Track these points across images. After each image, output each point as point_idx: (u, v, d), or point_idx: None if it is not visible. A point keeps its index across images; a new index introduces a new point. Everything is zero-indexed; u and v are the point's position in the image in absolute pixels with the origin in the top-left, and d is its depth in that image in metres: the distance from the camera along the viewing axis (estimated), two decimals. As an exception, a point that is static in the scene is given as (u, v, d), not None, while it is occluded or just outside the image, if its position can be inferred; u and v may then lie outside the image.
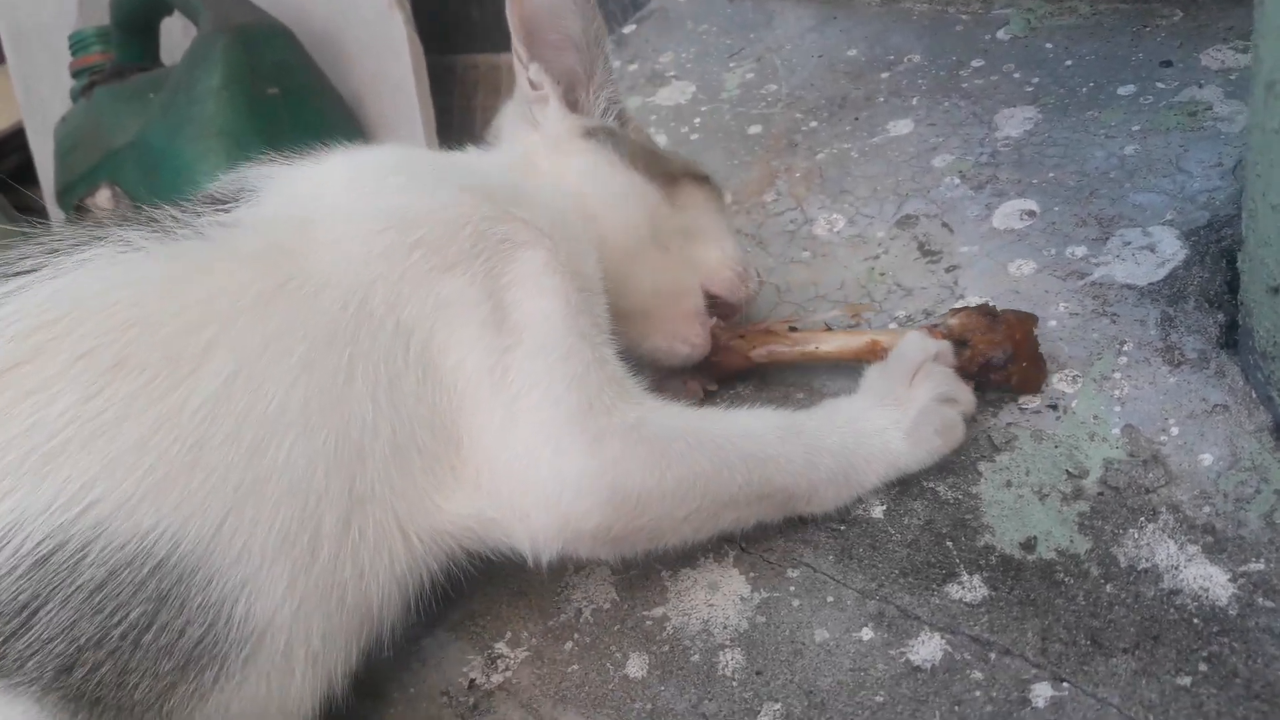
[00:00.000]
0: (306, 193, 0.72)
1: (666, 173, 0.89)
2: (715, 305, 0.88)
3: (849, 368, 0.83)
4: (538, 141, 0.86)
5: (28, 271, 0.61)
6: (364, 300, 0.66)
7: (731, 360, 0.88)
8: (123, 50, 1.81)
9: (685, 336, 0.86)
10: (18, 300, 0.59)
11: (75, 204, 1.77)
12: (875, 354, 0.81)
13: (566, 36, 0.85)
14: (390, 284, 0.67)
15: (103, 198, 1.71)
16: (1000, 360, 0.79)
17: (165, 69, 1.78)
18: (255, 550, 0.58)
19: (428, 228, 0.69)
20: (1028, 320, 0.80)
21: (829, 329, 0.85)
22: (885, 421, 0.76)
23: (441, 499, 0.66)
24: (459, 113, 2.07)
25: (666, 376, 0.87)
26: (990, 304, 0.82)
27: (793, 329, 0.86)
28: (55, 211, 1.82)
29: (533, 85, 0.87)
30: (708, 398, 0.90)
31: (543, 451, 0.66)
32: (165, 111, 1.65)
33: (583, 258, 0.74)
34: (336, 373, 0.63)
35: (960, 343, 0.79)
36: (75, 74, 1.84)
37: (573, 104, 0.88)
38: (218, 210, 0.69)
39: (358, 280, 0.66)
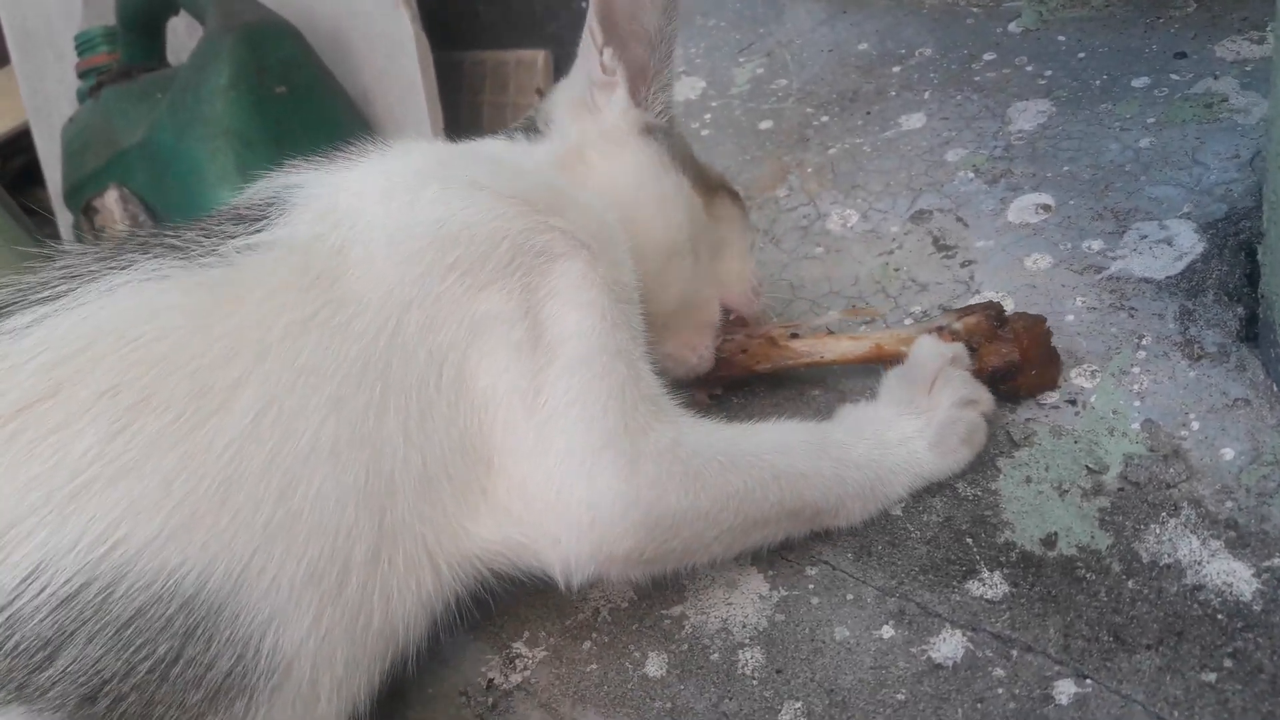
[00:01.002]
0: (340, 207, 0.70)
1: (707, 182, 0.89)
2: (727, 317, 0.88)
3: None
4: (592, 131, 0.83)
5: (49, 299, 0.60)
6: (398, 327, 0.64)
7: (735, 371, 0.88)
8: (129, 50, 1.81)
9: (695, 347, 0.85)
10: (39, 332, 0.58)
11: (83, 205, 1.77)
12: (881, 358, 0.81)
13: (643, 27, 0.83)
14: (425, 308, 0.65)
15: (111, 199, 1.71)
16: (1006, 370, 0.79)
17: (172, 69, 1.78)
18: (284, 585, 0.57)
19: (465, 246, 0.67)
20: (1036, 326, 0.79)
21: (831, 333, 0.84)
22: (910, 430, 0.75)
23: (472, 524, 0.65)
24: (467, 109, 2.07)
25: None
26: (996, 302, 0.81)
27: (794, 335, 0.86)
28: (63, 213, 1.82)
29: (604, 69, 0.83)
30: (713, 402, 0.90)
31: (576, 475, 0.64)
32: (173, 111, 1.65)
33: (621, 266, 0.72)
34: (369, 408, 0.62)
35: (968, 347, 0.78)
36: (82, 75, 1.84)
37: (634, 98, 0.85)
38: (246, 230, 0.67)
39: (392, 306, 0.65)
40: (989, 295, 0.90)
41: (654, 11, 0.82)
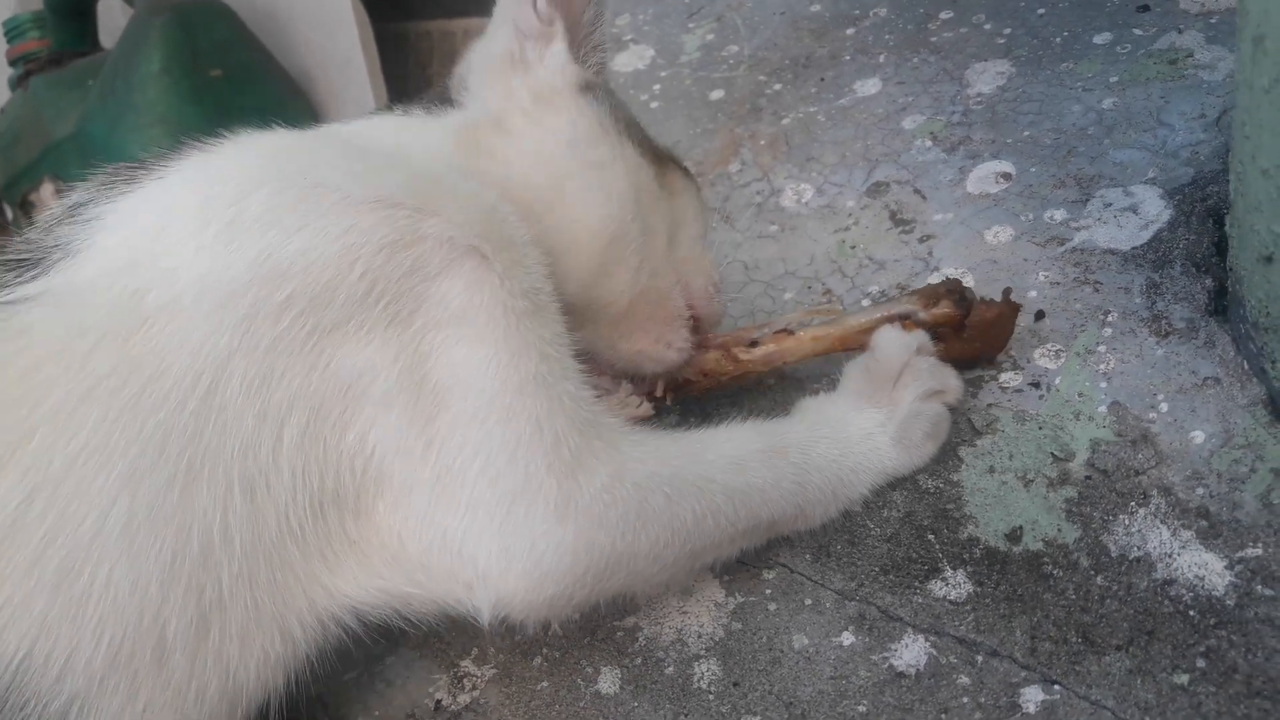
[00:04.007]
0: (142, 234, 0.57)
1: (655, 152, 0.78)
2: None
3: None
4: (522, 92, 0.71)
5: None
6: (212, 389, 0.54)
7: (697, 391, 0.80)
8: (59, 35, 1.73)
9: (670, 341, 0.74)
10: None
11: (19, 199, 1.71)
12: (845, 348, 0.76)
13: None
14: (253, 361, 0.54)
15: (47, 192, 1.65)
16: (974, 359, 0.76)
17: (104, 54, 1.71)
18: (80, 669, 0.51)
19: (302, 277, 0.55)
20: (1007, 317, 0.75)
21: (790, 333, 0.78)
22: (871, 425, 0.71)
23: (334, 579, 0.58)
24: (414, 82, 1.99)
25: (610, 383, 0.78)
26: (957, 281, 0.76)
27: (753, 344, 0.78)
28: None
29: (540, 18, 0.71)
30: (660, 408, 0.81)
31: (483, 532, 0.57)
32: (104, 100, 1.58)
33: (523, 266, 0.62)
34: (171, 484, 0.52)
35: (933, 335, 0.74)
36: (12, 62, 1.76)
37: (572, 53, 0.74)
38: (17, 279, 0.56)
39: (204, 364, 0.54)
40: (949, 272, 0.86)
41: None
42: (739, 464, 0.65)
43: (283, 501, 0.55)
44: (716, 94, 1.21)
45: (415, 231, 0.57)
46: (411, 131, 0.71)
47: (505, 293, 0.59)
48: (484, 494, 0.57)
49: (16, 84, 1.75)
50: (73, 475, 0.51)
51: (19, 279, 0.57)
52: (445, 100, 0.74)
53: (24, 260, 0.58)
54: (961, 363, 0.76)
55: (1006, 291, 0.75)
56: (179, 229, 0.57)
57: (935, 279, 0.86)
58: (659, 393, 0.77)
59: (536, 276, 0.62)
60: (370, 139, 0.70)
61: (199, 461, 0.53)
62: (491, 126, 0.71)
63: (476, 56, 0.75)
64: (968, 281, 0.84)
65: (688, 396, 0.80)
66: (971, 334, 0.74)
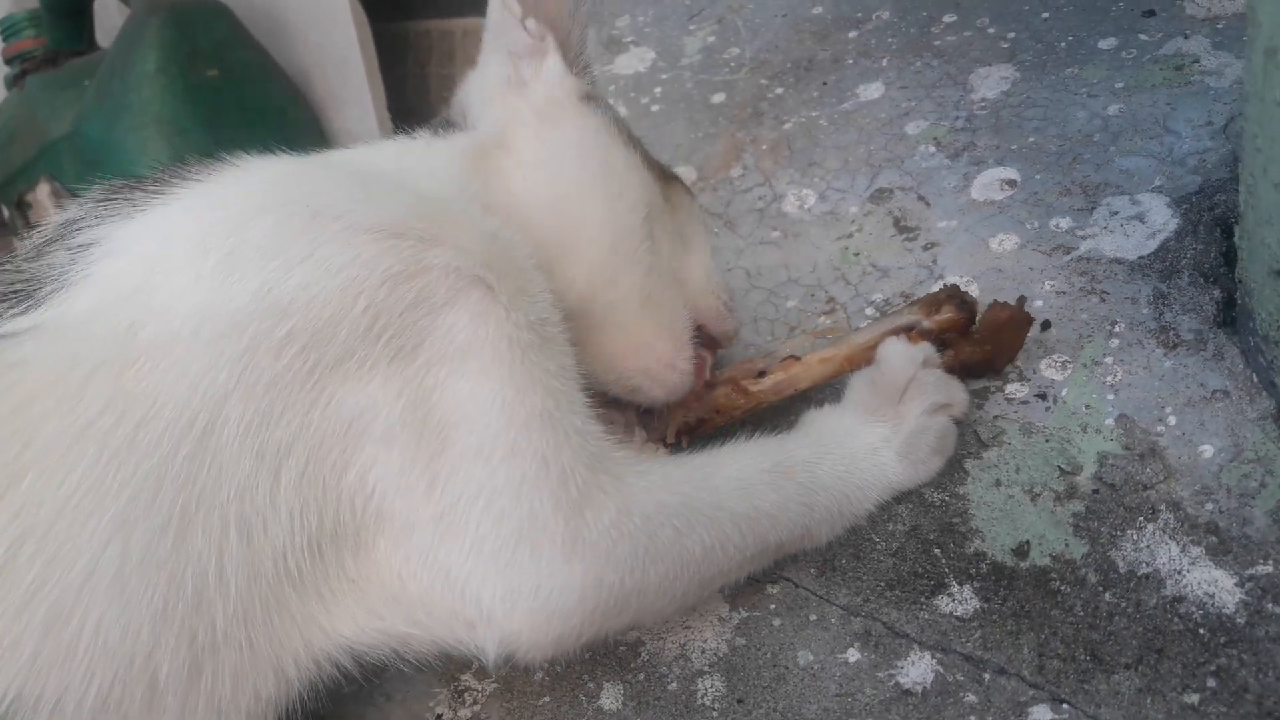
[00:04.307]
0: (139, 264, 0.55)
1: (658, 167, 0.78)
2: (697, 337, 0.75)
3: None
4: (523, 108, 0.71)
5: None
6: (209, 429, 0.52)
7: (709, 430, 0.77)
8: (55, 34, 1.72)
9: (674, 363, 0.72)
10: None
11: (15, 200, 1.70)
12: (854, 367, 0.75)
13: None
14: (252, 399, 0.52)
15: (43, 193, 1.64)
16: (981, 365, 0.75)
17: (100, 53, 1.69)
18: (69, 713, 0.49)
19: (304, 312, 0.53)
20: (1021, 321, 0.74)
21: (797, 359, 0.76)
22: (876, 440, 0.70)
23: (335, 621, 0.57)
24: (413, 82, 1.99)
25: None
26: (958, 288, 0.75)
27: (761, 374, 0.77)
28: None
29: (532, 34, 0.71)
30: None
31: (488, 569, 0.56)
32: (100, 99, 1.56)
33: (530, 295, 0.60)
34: (165, 529, 0.51)
35: (940, 343, 0.73)
36: (7, 61, 1.75)
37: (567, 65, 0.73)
38: (8, 311, 0.55)
39: (200, 402, 0.52)
40: (953, 280, 0.85)
41: None
42: (746, 488, 0.64)
43: (280, 543, 0.53)
44: (718, 97, 1.20)
45: (420, 262, 0.56)
46: (416, 155, 0.70)
47: (511, 325, 0.57)
48: (488, 533, 0.55)
49: (12, 83, 1.74)
50: (64, 519, 0.49)
51: (13, 311, 0.55)
52: (444, 124, 0.73)
53: (17, 291, 0.56)
54: (972, 370, 0.75)
55: (1021, 300, 0.74)
56: (177, 259, 0.55)
57: (939, 288, 0.85)
58: (670, 438, 0.76)
59: (543, 305, 0.61)
60: (374, 164, 0.69)
61: (194, 506, 0.51)
62: (496, 145, 0.70)
63: (474, 86, 0.75)
64: (973, 290, 0.83)
65: (702, 436, 0.77)
66: (984, 335, 0.73)
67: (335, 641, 0.57)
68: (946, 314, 0.73)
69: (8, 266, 0.58)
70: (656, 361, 0.72)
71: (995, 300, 0.75)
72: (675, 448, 0.76)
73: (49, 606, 0.49)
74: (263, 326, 0.53)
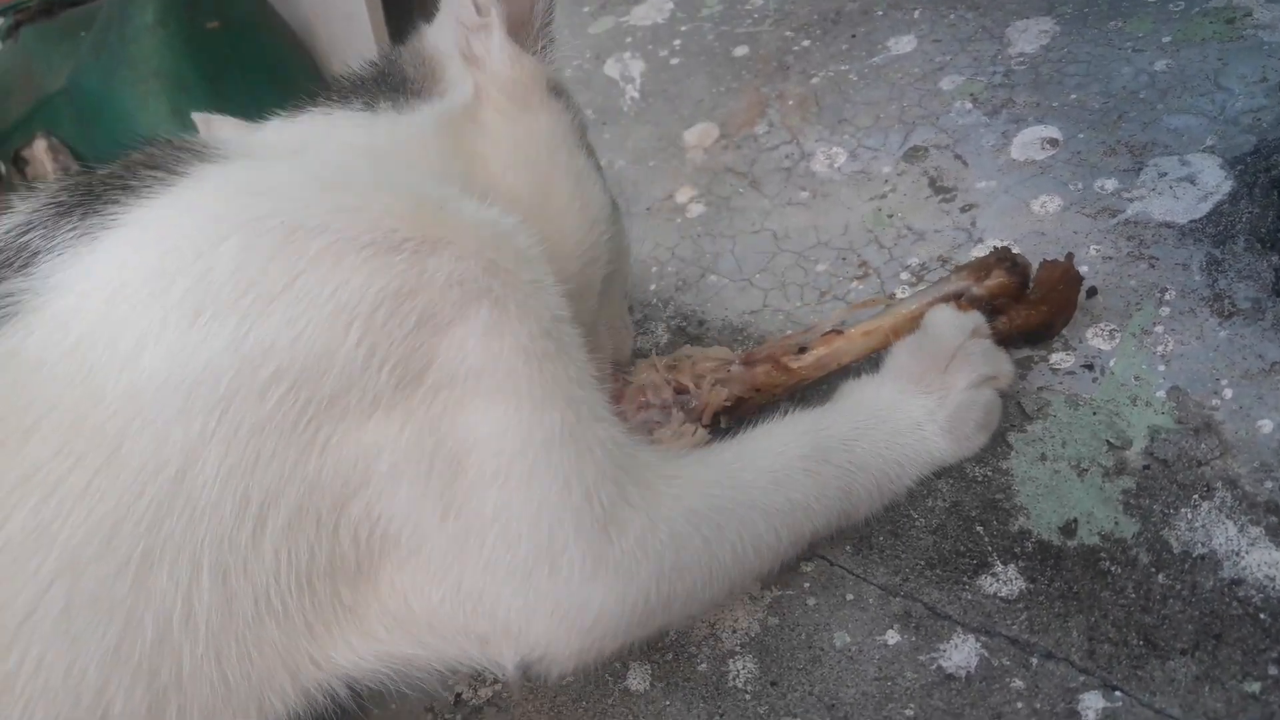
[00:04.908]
0: (97, 298, 0.49)
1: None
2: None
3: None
4: (489, 86, 0.65)
5: None
6: (180, 475, 0.47)
7: (750, 411, 0.74)
8: (49, -17, 1.66)
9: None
10: None
11: (12, 156, 1.65)
12: (899, 339, 0.71)
13: None
14: (233, 446, 0.47)
15: (39, 149, 1.60)
16: (1038, 330, 0.71)
17: (96, 3, 1.64)
18: None
19: (286, 352, 0.48)
20: (1074, 277, 0.70)
21: (839, 333, 0.73)
22: (920, 413, 0.67)
23: (327, 650, 0.52)
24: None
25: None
26: (1009, 249, 0.72)
27: (802, 350, 0.73)
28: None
29: (478, 8, 0.64)
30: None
31: (502, 588, 0.52)
32: (97, 52, 1.51)
33: (540, 289, 0.54)
34: (120, 572, 0.46)
35: (991, 309, 0.70)
36: (1, 12, 1.69)
37: (518, 40, 0.66)
38: None
39: (170, 451, 0.47)
40: (994, 243, 0.81)
41: None
42: (780, 480, 0.61)
43: (263, 582, 0.49)
44: (740, 50, 1.15)
45: (421, 275, 0.50)
46: (384, 132, 0.63)
47: (525, 336, 0.52)
48: (503, 555, 0.51)
49: (6, 35, 1.70)
50: (4, 557, 0.45)
51: None
52: (402, 85, 0.66)
53: None
54: (1031, 335, 0.72)
55: (1069, 257, 0.70)
56: (139, 294, 0.49)
57: (979, 251, 0.81)
58: (706, 419, 0.72)
59: (554, 299, 0.55)
60: (341, 147, 0.62)
61: (157, 550, 0.47)
62: (467, 119, 0.64)
63: (435, 42, 0.68)
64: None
65: (742, 415, 0.74)
66: (1039, 296, 0.70)
67: (328, 671, 0.52)
68: (997, 278, 0.69)
69: None
70: None
71: (1045, 259, 0.71)
72: (714, 427, 0.73)
73: None
74: (242, 371, 0.47)
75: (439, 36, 0.68)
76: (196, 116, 0.74)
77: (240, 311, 0.48)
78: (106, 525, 0.46)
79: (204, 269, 0.48)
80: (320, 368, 0.48)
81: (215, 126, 0.72)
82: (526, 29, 0.67)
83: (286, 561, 0.49)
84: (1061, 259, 0.71)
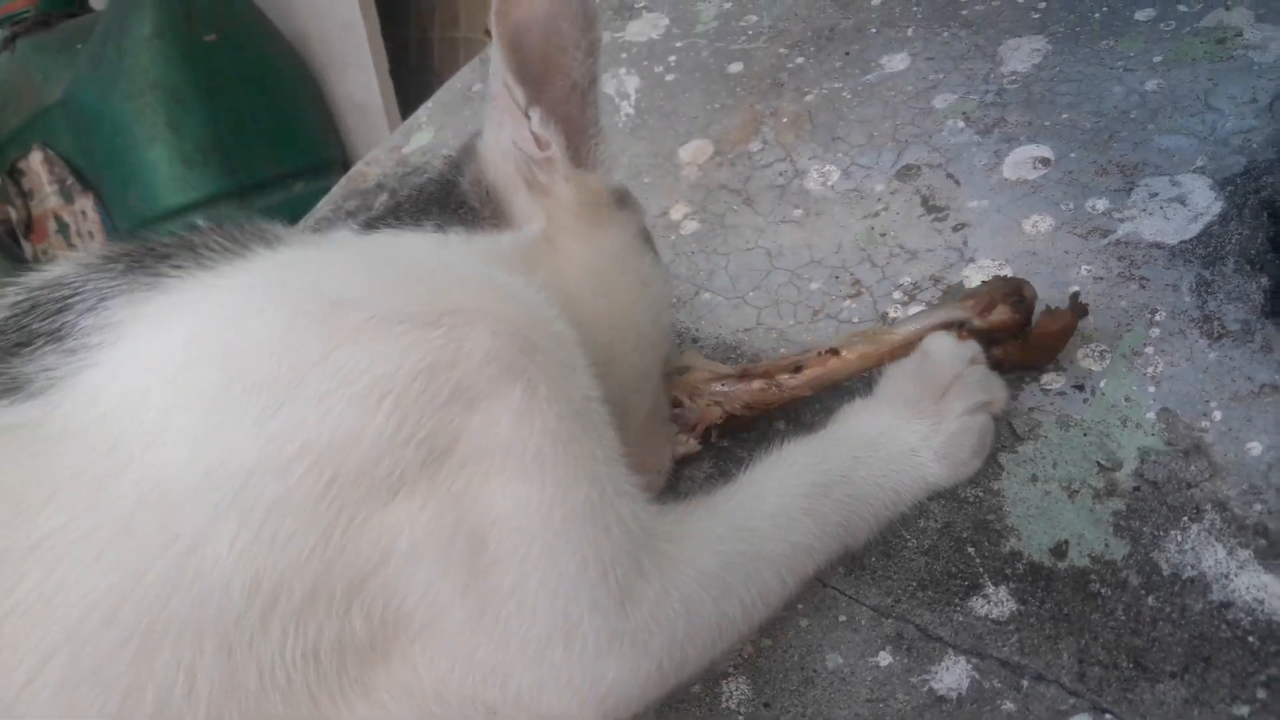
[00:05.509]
0: (128, 373, 0.49)
1: None
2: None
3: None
4: (559, 212, 0.66)
5: None
6: (190, 550, 0.46)
7: (744, 426, 0.76)
8: (47, -6, 1.66)
9: (663, 464, 0.73)
10: None
11: (8, 168, 1.65)
12: (893, 360, 0.72)
13: (564, 73, 0.63)
14: (248, 523, 0.47)
15: (36, 161, 1.60)
16: (1032, 367, 0.72)
17: (94, 15, 1.64)
18: None
19: (315, 427, 0.47)
20: (1072, 328, 0.71)
21: (835, 353, 0.73)
22: (914, 439, 0.67)
23: (331, 719, 0.51)
24: (416, 47, 1.93)
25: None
26: (1019, 281, 0.71)
27: (798, 369, 0.74)
28: None
29: (540, 143, 0.64)
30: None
31: (514, 662, 0.52)
32: (94, 64, 1.52)
33: (573, 373, 0.55)
34: (122, 646, 0.46)
35: (989, 340, 0.70)
36: (-1, 23, 1.70)
37: (576, 159, 0.66)
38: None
39: (182, 524, 0.46)
40: (985, 263, 0.82)
41: (576, 49, 0.62)
42: (782, 525, 0.62)
43: (269, 659, 0.48)
44: (735, 67, 1.16)
45: (458, 349, 0.50)
46: (457, 244, 0.64)
47: (555, 419, 0.52)
48: (516, 630, 0.51)
49: (3, 46, 1.70)
50: (7, 626, 0.45)
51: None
52: (473, 218, 0.66)
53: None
54: (1015, 367, 0.72)
55: (1074, 295, 0.71)
56: (169, 366, 0.49)
57: (970, 270, 0.82)
58: (698, 435, 0.74)
59: (585, 380, 0.56)
60: (411, 249, 0.62)
61: (161, 626, 0.46)
62: (544, 244, 0.65)
63: (495, 169, 0.67)
64: (1005, 274, 0.80)
65: (735, 431, 0.76)
66: (1035, 342, 0.71)
67: None
68: (1000, 315, 0.69)
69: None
70: (645, 469, 0.64)
71: (1049, 307, 0.71)
72: (705, 441, 0.75)
73: None
74: (268, 446, 0.47)
75: (497, 162, 0.67)
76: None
77: (271, 385, 0.48)
78: (111, 599, 0.46)
79: (238, 342, 0.49)
80: (348, 444, 0.48)
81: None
82: (582, 138, 0.66)
83: (294, 638, 0.48)
84: (1068, 308, 0.71)
